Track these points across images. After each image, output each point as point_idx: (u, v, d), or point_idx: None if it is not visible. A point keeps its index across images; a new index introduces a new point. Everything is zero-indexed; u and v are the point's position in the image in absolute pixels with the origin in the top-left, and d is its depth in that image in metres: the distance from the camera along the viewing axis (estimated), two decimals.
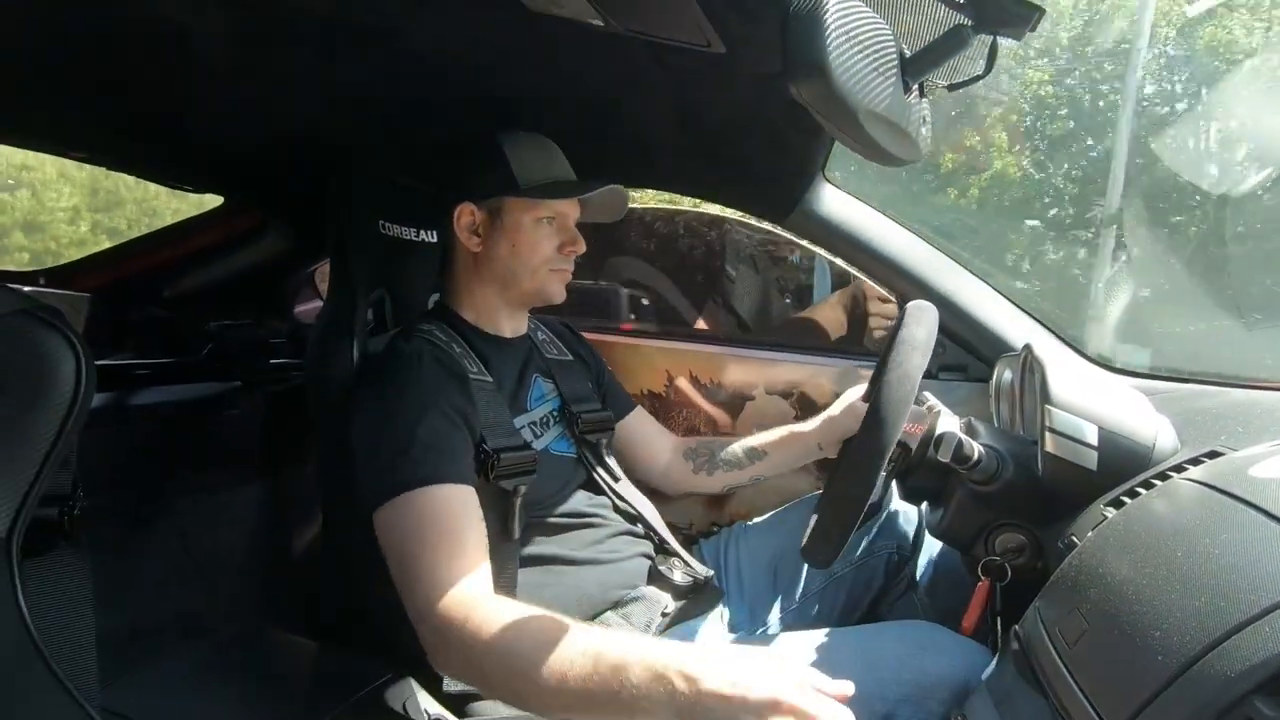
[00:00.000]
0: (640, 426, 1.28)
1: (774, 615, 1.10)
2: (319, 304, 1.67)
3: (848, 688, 0.63)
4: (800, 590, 1.10)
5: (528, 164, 1.02)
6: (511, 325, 1.10)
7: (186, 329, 1.43)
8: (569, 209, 1.06)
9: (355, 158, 1.24)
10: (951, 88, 0.73)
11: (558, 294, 1.07)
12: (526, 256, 1.04)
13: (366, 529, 0.85)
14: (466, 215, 1.03)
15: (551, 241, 1.05)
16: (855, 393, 1.14)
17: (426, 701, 0.90)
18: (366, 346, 1.05)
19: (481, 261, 1.05)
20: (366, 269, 1.08)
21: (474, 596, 0.76)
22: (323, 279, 1.67)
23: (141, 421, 1.28)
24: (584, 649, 0.66)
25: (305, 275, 1.66)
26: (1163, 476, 0.71)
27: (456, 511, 0.83)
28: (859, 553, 1.10)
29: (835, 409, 1.15)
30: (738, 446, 1.23)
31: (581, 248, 1.07)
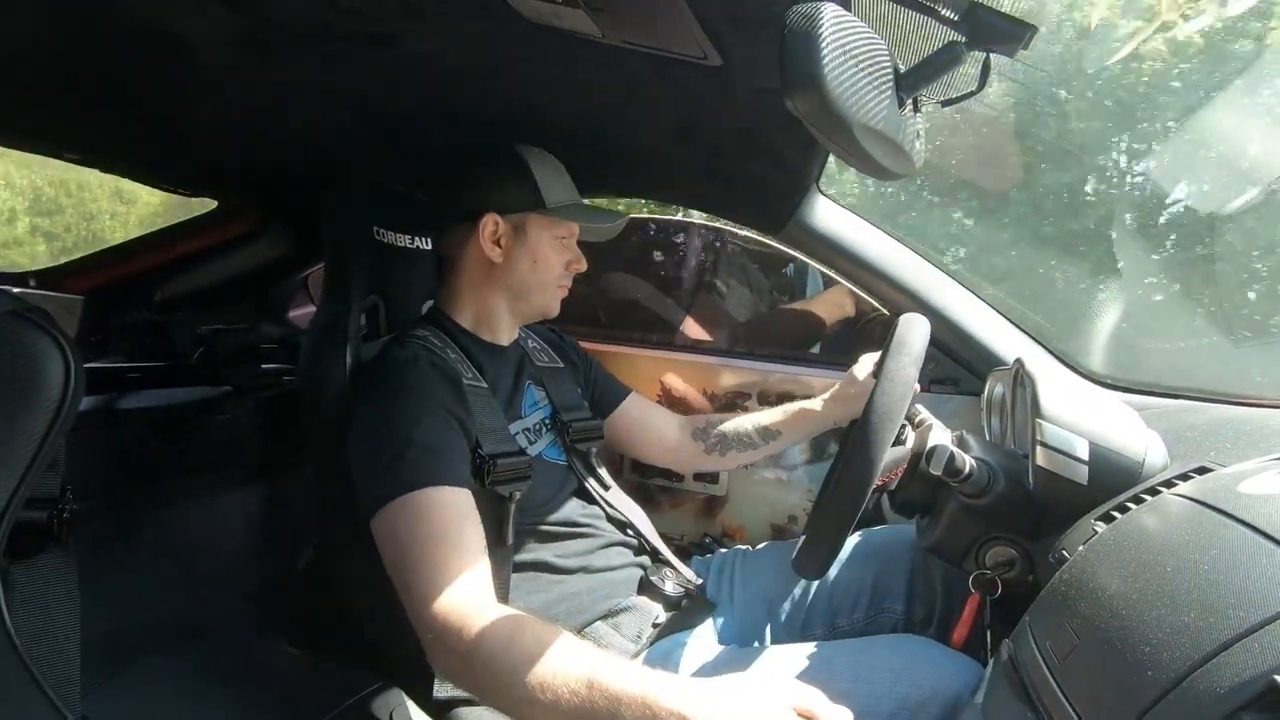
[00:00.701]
0: (641, 409, 1.29)
1: (766, 634, 1.09)
2: (314, 309, 1.67)
3: (846, 716, 0.62)
4: (799, 637, 1.06)
5: (550, 183, 1.05)
6: (509, 334, 1.11)
7: (177, 333, 1.42)
8: (576, 228, 1.10)
9: (352, 164, 1.25)
10: (945, 103, 0.73)
11: (556, 309, 1.11)
12: (543, 273, 1.06)
13: (362, 537, 0.85)
14: (491, 225, 1.03)
15: (562, 258, 1.08)
16: (864, 368, 1.15)
17: (415, 711, 0.90)
18: (360, 353, 1.05)
19: (498, 272, 1.05)
20: (361, 275, 1.08)
21: (473, 604, 0.75)
22: (316, 284, 1.67)
23: (131, 425, 1.27)
24: (580, 674, 0.65)
25: (299, 280, 1.66)
26: (1153, 491, 0.71)
27: (454, 515, 0.83)
28: (865, 610, 1.06)
29: (845, 387, 1.16)
30: (749, 425, 1.24)
31: (584, 265, 1.10)
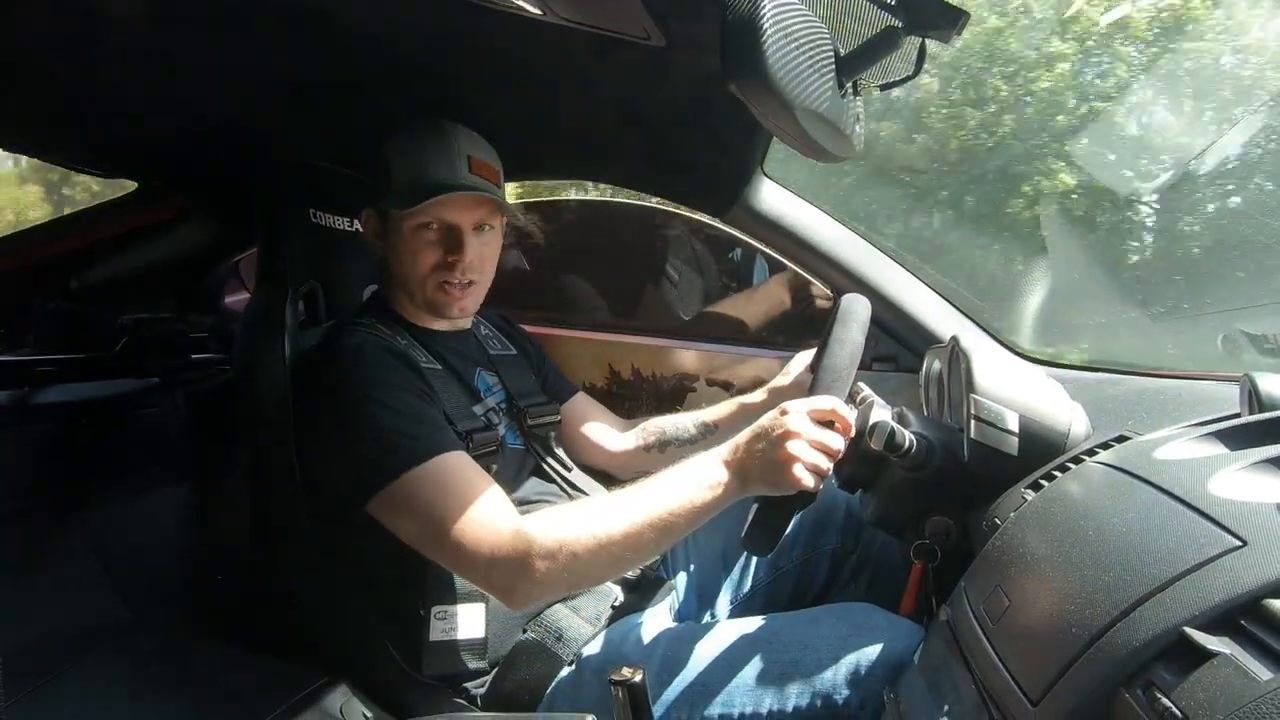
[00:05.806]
0: (585, 410, 1.28)
1: (721, 607, 1.11)
2: (248, 296, 1.60)
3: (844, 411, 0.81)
4: (749, 584, 1.11)
5: (407, 165, 0.95)
6: (448, 321, 1.07)
7: (97, 322, 1.35)
8: (455, 215, 0.95)
9: (285, 144, 1.19)
10: (883, 87, 0.75)
11: (449, 310, 1.00)
12: (410, 267, 0.97)
13: (314, 527, 0.83)
14: (369, 221, 1.01)
15: (433, 252, 0.96)
16: (800, 362, 1.17)
17: (364, 704, 0.88)
18: (299, 341, 1.01)
19: (389, 265, 1.02)
20: (298, 260, 1.04)
21: (527, 521, 0.81)
22: (249, 269, 1.60)
23: (47, 421, 1.20)
24: (636, 492, 0.80)
25: (231, 266, 1.59)
26: (1076, 460, 0.75)
27: (468, 470, 0.86)
28: (802, 548, 1.10)
29: (783, 379, 1.18)
30: (688, 421, 1.24)
31: (465, 260, 0.96)
